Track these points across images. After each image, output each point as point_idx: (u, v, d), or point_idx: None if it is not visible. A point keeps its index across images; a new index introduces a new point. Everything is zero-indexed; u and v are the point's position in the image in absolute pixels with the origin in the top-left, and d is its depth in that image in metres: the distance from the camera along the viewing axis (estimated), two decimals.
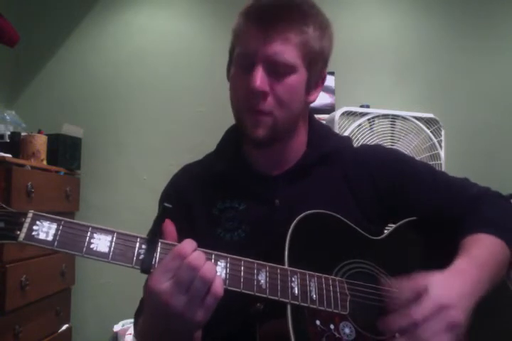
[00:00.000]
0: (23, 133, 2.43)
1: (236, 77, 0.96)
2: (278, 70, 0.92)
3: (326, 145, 1.04)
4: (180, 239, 0.75)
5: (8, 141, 2.38)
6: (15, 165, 2.11)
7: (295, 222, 0.86)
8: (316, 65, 0.97)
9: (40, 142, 2.45)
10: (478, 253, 0.86)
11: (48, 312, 2.44)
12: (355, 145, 1.12)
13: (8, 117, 2.51)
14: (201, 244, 0.75)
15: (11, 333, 2.06)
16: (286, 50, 0.91)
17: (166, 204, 0.74)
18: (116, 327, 2.58)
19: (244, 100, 0.94)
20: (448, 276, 0.80)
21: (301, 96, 0.97)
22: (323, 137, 1.06)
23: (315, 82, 0.99)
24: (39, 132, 2.55)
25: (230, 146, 1.07)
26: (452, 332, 0.74)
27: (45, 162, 2.48)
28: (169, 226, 0.76)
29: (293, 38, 0.91)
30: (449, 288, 0.77)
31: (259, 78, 0.90)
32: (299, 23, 0.93)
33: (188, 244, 0.72)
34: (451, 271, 0.82)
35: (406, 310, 0.74)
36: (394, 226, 1.00)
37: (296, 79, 0.94)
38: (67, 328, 2.65)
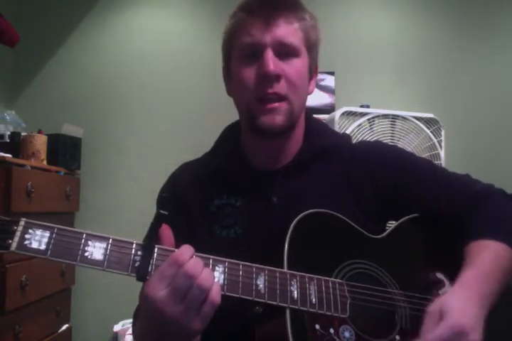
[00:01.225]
0: (23, 133, 2.43)
1: (242, 69, 0.95)
2: (286, 53, 0.93)
3: (324, 140, 1.03)
4: (178, 241, 0.75)
5: (8, 141, 2.38)
6: (15, 165, 2.11)
7: (295, 221, 0.85)
8: (313, 54, 1.00)
9: (40, 142, 2.44)
10: (485, 264, 0.85)
11: (48, 312, 2.44)
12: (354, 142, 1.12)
13: (8, 117, 2.50)
14: (198, 242, 0.75)
15: (11, 333, 2.06)
16: (291, 32, 0.94)
17: (161, 212, 0.73)
18: (116, 327, 2.57)
19: (256, 88, 0.93)
20: (461, 297, 0.79)
21: (307, 82, 1.00)
22: (321, 134, 1.05)
23: (312, 71, 1.02)
24: (39, 132, 2.55)
25: (227, 144, 1.07)
26: None
27: (45, 162, 2.47)
28: (166, 231, 0.75)
29: (295, 22, 0.95)
30: (465, 310, 0.77)
31: (272, 61, 0.91)
32: (298, 10, 0.97)
33: (185, 251, 0.71)
34: (460, 289, 0.81)
35: (425, 338, 0.74)
36: (395, 223, 0.99)
37: (302, 63, 0.96)
38: (67, 328, 2.65)
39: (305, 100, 1.00)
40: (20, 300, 2.11)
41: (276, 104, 0.92)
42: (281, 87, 0.92)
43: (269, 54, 0.92)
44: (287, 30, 0.93)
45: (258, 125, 0.94)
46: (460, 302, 0.78)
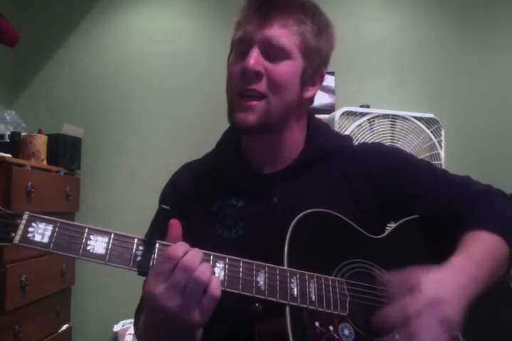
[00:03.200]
0: (23, 133, 2.43)
1: (232, 63, 0.96)
2: (274, 54, 0.93)
3: (326, 142, 1.03)
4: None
5: (8, 141, 2.38)
6: (15, 165, 2.11)
7: (295, 221, 0.85)
8: (313, 60, 0.98)
9: (40, 142, 2.45)
10: (476, 251, 0.85)
11: (48, 312, 2.44)
12: (355, 144, 1.12)
13: (8, 117, 2.51)
14: (200, 242, 0.75)
15: (11, 333, 2.06)
16: (283, 34, 0.93)
17: (163, 206, 0.74)
18: (116, 327, 2.57)
19: (238, 82, 0.94)
20: (443, 272, 0.80)
21: (296, 86, 0.97)
22: (322, 135, 1.05)
23: (311, 77, 0.99)
24: (39, 132, 2.55)
25: (229, 144, 1.07)
26: (445, 328, 0.74)
27: (45, 162, 2.48)
28: (175, 226, 0.75)
29: (291, 24, 0.94)
30: (443, 283, 0.77)
31: (254, 58, 0.91)
32: (299, 13, 0.95)
33: (179, 247, 0.71)
34: (446, 267, 0.81)
35: (398, 304, 0.74)
36: (395, 224, 1.00)
37: (291, 66, 0.95)
38: (67, 328, 2.65)
39: (291, 104, 0.97)
40: (20, 300, 2.11)
41: (254, 103, 0.92)
42: (261, 85, 0.92)
43: (254, 51, 0.92)
44: (279, 32, 0.93)
45: (233, 122, 0.95)
46: (442, 278, 0.78)
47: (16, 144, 2.38)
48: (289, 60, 0.94)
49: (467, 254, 0.84)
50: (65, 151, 2.68)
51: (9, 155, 2.13)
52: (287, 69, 0.94)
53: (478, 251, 0.85)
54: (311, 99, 1.04)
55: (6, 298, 1.99)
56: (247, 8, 0.97)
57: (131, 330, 2.43)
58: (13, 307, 2.06)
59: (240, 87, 0.93)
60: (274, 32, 0.92)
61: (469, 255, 0.84)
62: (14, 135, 2.39)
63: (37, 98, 2.99)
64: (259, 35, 0.92)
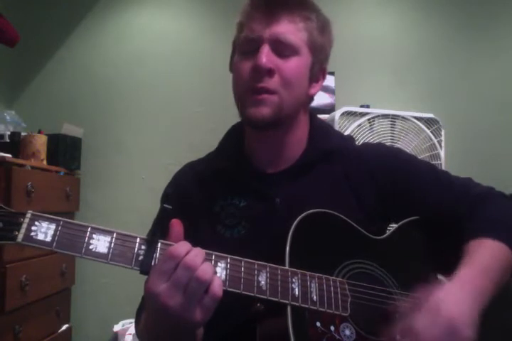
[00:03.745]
0: (23, 133, 2.43)
1: (240, 62, 0.97)
2: (284, 50, 0.94)
3: (328, 142, 1.04)
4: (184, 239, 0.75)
5: (8, 141, 2.38)
6: (15, 165, 2.11)
7: (297, 221, 0.85)
8: (318, 56, 0.99)
9: (40, 142, 2.45)
10: (483, 261, 0.85)
11: (48, 312, 2.44)
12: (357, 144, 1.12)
13: (8, 117, 2.51)
14: (202, 242, 0.75)
15: (11, 333, 2.06)
16: (292, 30, 0.94)
17: (165, 206, 0.74)
18: (116, 327, 2.58)
19: (249, 80, 0.94)
20: (452, 288, 0.80)
21: (306, 81, 0.99)
22: (325, 135, 1.06)
23: (316, 73, 1.01)
24: (39, 132, 2.55)
25: (232, 144, 1.07)
26: None
27: (45, 162, 2.47)
28: (177, 226, 0.75)
29: (298, 21, 0.95)
30: (460, 304, 0.77)
31: (266, 55, 0.92)
32: (304, 10, 0.97)
33: (181, 246, 0.71)
34: (455, 281, 0.81)
35: (416, 329, 0.74)
36: (396, 225, 0.99)
37: (301, 62, 0.96)
38: (67, 328, 2.65)
39: (300, 99, 0.99)
40: (20, 300, 2.11)
41: (265, 96, 0.93)
42: (272, 82, 0.93)
43: (265, 48, 0.92)
44: (287, 28, 0.94)
45: (246, 116, 0.96)
46: (455, 296, 0.78)
47: (16, 144, 2.38)
48: (297, 56, 0.95)
49: (474, 266, 0.84)
50: (65, 151, 2.68)
51: (9, 155, 2.13)
52: (297, 65, 0.95)
53: (485, 261, 0.85)
54: (313, 97, 1.05)
55: (6, 298, 1.99)
56: (250, 8, 0.97)
57: (131, 330, 2.44)
58: (13, 307, 2.06)
59: (251, 85, 0.94)
60: (282, 29, 0.93)
61: (476, 267, 0.84)
62: (14, 135, 2.39)
63: (37, 98, 2.98)
64: (268, 33, 0.93)
